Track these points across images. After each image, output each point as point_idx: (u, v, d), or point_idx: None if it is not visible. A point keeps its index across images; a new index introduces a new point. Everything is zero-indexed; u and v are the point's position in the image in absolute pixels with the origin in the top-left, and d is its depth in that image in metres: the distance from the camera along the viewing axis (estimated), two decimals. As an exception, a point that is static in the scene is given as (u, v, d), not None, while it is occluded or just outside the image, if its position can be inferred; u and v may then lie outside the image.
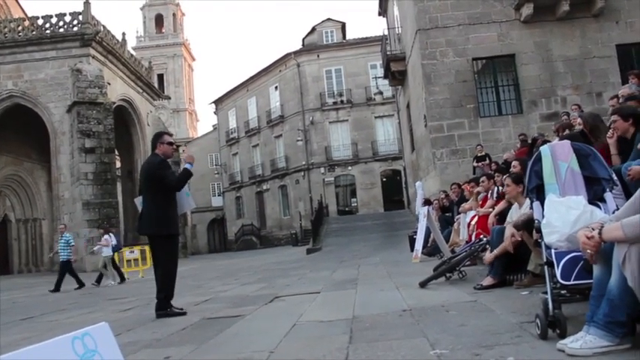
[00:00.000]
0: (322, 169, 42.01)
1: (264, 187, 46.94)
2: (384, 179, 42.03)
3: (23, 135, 30.36)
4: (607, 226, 2.68)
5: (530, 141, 12.58)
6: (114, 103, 29.35)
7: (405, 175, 33.03)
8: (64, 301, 10.42)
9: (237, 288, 9.13)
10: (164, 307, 6.06)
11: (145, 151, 34.41)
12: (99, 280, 14.36)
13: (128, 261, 17.35)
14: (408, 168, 28.52)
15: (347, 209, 41.97)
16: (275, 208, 45.96)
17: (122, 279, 14.74)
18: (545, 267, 3.24)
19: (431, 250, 11.16)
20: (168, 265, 6.20)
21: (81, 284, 13.87)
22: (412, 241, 13.01)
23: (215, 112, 54.32)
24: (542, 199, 3.48)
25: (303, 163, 42.36)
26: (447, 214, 12.27)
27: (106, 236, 14.96)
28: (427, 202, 13.24)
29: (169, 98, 48.14)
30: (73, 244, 14.54)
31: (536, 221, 3.41)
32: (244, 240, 47.48)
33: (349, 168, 42.23)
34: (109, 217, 26.43)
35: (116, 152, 31.24)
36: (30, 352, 2.08)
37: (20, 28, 28.83)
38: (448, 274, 6.64)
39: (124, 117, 32.86)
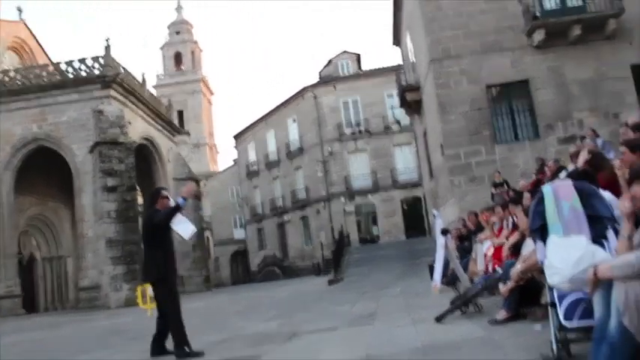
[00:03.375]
0: (342, 199, 42.08)
1: (286, 219, 47.10)
2: (405, 207, 41.96)
3: (47, 176, 30.97)
4: (601, 265, 2.73)
5: (537, 169, 12.48)
6: (135, 142, 29.86)
7: (425, 202, 32.98)
8: (88, 341, 10.55)
9: (257, 324, 9.20)
10: (183, 346, 6.30)
11: (166, 186, 34.83)
12: None
13: (151, 297, 17.42)
14: (427, 195, 28.50)
15: (368, 238, 41.88)
16: (297, 239, 46.06)
17: None
18: (550, 307, 3.29)
19: (450, 279, 11.10)
20: (170, 307, 6.53)
21: None
22: (432, 270, 12.97)
23: (235, 147, 54.97)
24: (546, 239, 3.53)
25: (324, 193, 42.49)
26: (466, 243, 12.24)
27: None
28: (445, 231, 13.22)
29: (189, 134, 48.88)
30: None
31: (539, 262, 3.47)
32: (267, 271, 47.51)
33: (369, 197, 42.22)
34: (132, 253, 26.73)
35: (138, 189, 31.69)
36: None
37: (45, 73, 29.68)
38: (464, 308, 6.66)
39: (145, 154, 33.37)
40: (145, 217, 7.01)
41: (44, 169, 29.93)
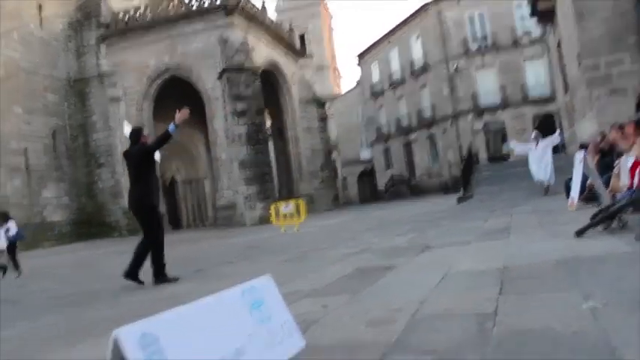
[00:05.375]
0: (470, 117, 40.96)
1: (412, 138, 46.79)
2: (537, 123, 40.07)
3: (181, 104, 32.35)
4: None
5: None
6: (260, 67, 30.55)
7: (559, 118, 31.31)
8: (229, 254, 11.26)
9: (389, 239, 9.31)
10: (161, 275, 6.93)
11: (292, 109, 35.68)
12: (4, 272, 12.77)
13: (284, 215, 18.22)
14: (562, 111, 27.00)
15: (498, 156, 40.69)
16: (423, 158, 45.79)
17: (4, 272, 12.73)
18: None
19: (589, 196, 10.60)
20: (156, 236, 7.05)
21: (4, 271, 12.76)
22: (568, 188, 12.43)
23: (358, 65, 54.67)
24: None
25: (450, 111, 41.59)
26: (607, 158, 11.53)
27: None
28: (583, 145, 12.52)
29: (312, 57, 48.98)
30: None
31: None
32: (394, 190, 47.80)
33: (498, 113, 40.80)
34: (264, 174, 27.91)
35: (266, 112, 32.66)
36: (211, 300, 2.41)
37: (171, 6, 30.88)
38: (607, 223, 6.32)
39: (270, 79, 34.08)
40: (130, 152, 7.32)
41: (178, 98, 31.34)
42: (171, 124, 6.95)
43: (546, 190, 16.99)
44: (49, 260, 17.98)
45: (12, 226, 13.53)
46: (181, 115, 7.08)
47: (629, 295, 3.05)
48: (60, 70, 30.63)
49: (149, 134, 7.63)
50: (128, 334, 1.82)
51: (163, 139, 7.11)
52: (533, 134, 18.32)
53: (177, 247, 15.61)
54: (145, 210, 7.08)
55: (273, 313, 2.67)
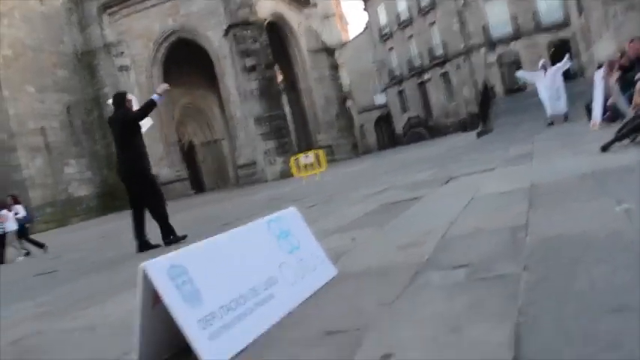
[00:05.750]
0: (483, 50, 40.19)
1: (425, 78, 46.18)
2: (552, 50, 39.19)
3: (190, 66, 32.46)
4: None
5: None
6: (265, 19, 30.11)
7: (575, 43, 30.57)
8: (253, 208, 11.30)
9: (411, 176, 9.24)
10: (170, 235, 6.86)
11: (301, 60, 35.26)
12: (27, 253, 13.13)
13: (305, 166, 18.19)
14: (577, 35, 26.36)
15: (514, 88, 40.04)
16: (439, 97, 45.25)
17: (40, 246, 13.14)
18: None
19: (612, 114, 10.38)
20: (154, 200, 7.00)
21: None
22: (589, 110, 12.20)
23: (365, 9, 53.69)
24: None
25: (462, 46, 40.79)
26: (628, 75, 11.22)
27: (2, 212, 12.94)
28: (601, 66, 12.21)
29: (316, 5, 48.15)
30: None
31: None
32: (412, 132, 47.54)
33: (511, 45, 39.94)
34: (280, 127, 27.81)
35: (276, 66, 32.34)
36: (237, 232, 2.39)
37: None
38: (633, 135, 6.18)
39: (277, 32, 33.63)
40: (115, 118, 7.13)
41: (186, 61, 31.36)
42: (155, 94, 6.97)
43: (565, 118, 16.66)
44: (78, 235, 18.24)
45: (20, 209, 13.75)
46: (161, 87, 7.20)
47: (663, 199, 2.97)
48: (66, 45, 30.53)
49: (132, 99, 7.29)
50: (156, 266, 1.80)
51: (148, 108, 6.95)
52: (541, 62, 17.80)
53: (201, 208, 15.73)
54: (137, 175, 6.97)
55: (301, 242, 2.65)
